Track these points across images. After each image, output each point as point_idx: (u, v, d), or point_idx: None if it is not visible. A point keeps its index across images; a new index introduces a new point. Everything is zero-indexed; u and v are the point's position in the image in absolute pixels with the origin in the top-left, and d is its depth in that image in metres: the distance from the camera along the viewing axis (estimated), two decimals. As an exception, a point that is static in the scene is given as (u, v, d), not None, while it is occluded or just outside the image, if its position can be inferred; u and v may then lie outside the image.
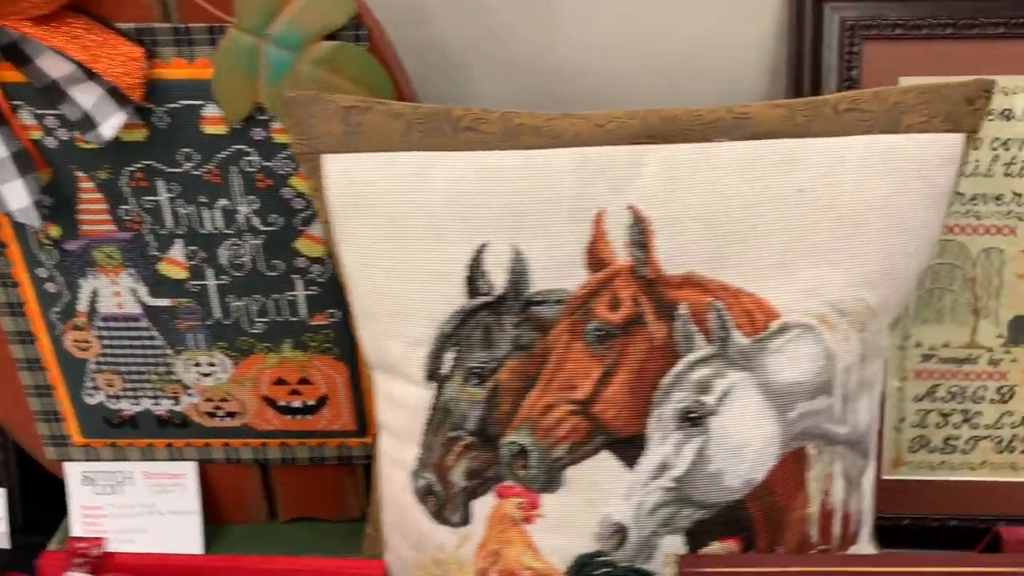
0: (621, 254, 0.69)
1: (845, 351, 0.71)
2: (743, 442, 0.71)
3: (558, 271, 0.69)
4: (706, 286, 0.69)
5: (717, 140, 0.68)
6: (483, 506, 0.73)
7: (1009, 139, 0.91)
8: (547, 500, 0.72)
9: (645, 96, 0.94)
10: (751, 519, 0.73)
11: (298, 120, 0.70)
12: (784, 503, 0.73)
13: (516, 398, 0.71)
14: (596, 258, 0.69)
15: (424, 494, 0.75)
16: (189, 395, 0.92)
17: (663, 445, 0.71)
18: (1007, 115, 0.91)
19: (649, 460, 0.71)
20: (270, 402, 0.93)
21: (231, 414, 0.93)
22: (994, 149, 0.91)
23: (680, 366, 0.70)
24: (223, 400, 0.92)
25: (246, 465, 0.98)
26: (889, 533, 0.98)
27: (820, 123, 0.69)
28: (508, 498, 0.73)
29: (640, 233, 0.68)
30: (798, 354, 0.70)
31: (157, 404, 0.93)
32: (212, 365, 0.90)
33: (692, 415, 0.70)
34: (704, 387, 0.70)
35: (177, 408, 0.93)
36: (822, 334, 0.70)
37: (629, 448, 0.71)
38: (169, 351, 0.90)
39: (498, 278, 0.69)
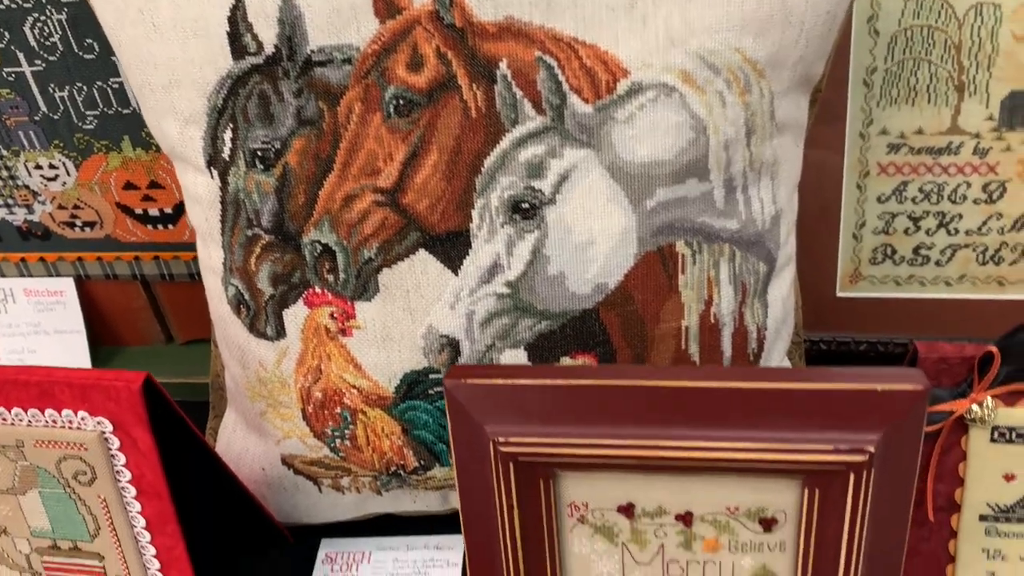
0: (419, -4, 0.53)
1: (722, 120, 0.55)
2: (589, 238, 0.57)
3: (340, 20, 0.54)
4: (532, 36, 0.53)
5: None
6: (295, 316, 0.63)
7: None
8: (363, 309, 0.61)
9: None
10: (607, 331, 0.60)
11: None
12: (647, 313, 0.59)
13: (311, 187, 0.58)
14: (386, 0, 0.54)
15: (236, 304, 0.64)
16: (41, 202, 0.84)
17: (491, 243, 0.58)
18: None
19: (476, 262, 0.58)
20: (126, 210, 0.83)
21: (89, 224, 0.84)
22: None
23: (505, 143, 0.56)
24: (76, 208, 0.83)
25: (127, 282, 0.91)
26: (841, 359, 0.83)
27: None
28: (319, 307, 0.62)
29: (441, -33, 0.53)
30: (655, 124, 0.54)
31: (12, 213, 0.85)
32: (53, 167, 0.81)
33: (524, 205, 0.57)
34: (536, 170, 0.56)
35: (33, 218, 0.85)
36: (687, 97, 0.54)
37: (451, 247, 0.58)
38: (6, 152, 0.80)
39: (266, 32, 0.55)
